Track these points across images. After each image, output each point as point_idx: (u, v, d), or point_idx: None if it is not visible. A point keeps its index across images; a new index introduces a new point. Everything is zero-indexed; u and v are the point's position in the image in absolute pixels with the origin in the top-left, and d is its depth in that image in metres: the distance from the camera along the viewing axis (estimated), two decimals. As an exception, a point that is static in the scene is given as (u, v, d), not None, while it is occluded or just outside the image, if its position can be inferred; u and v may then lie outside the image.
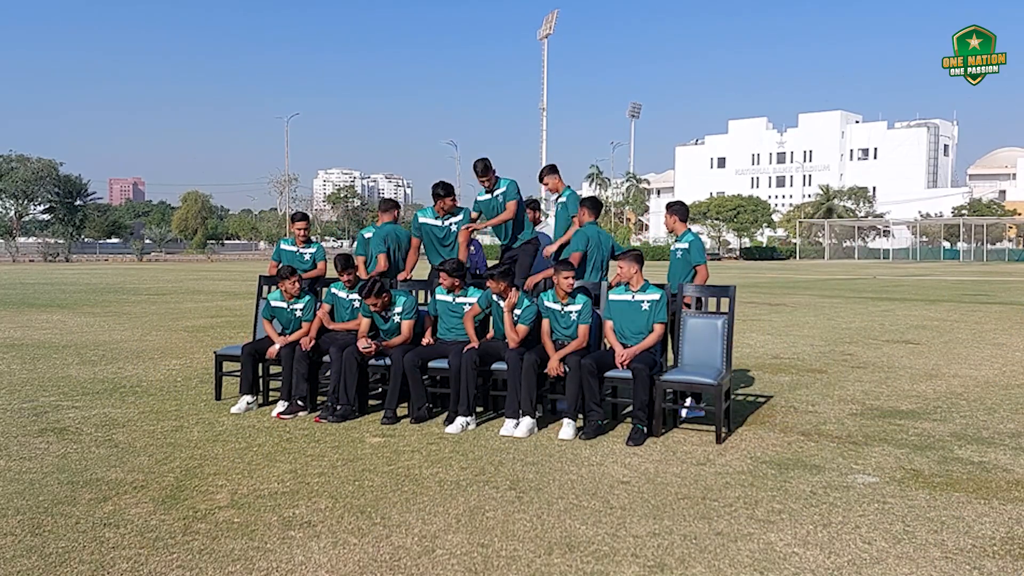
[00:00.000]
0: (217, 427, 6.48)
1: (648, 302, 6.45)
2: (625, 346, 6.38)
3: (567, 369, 6.32)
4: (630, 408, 6.28)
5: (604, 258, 7.26)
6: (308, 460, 5.52)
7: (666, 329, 6.53)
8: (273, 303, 7.31)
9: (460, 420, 6.38)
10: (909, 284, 30.79)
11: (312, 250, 8.05)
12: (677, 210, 7.23)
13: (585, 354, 6.37)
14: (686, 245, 7.11)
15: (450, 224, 7.52)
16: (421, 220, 7.65)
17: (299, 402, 6.90)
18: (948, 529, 4.28)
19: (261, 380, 7.41)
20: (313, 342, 7.01)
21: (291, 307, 7.23)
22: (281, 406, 6.92)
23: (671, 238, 7.36)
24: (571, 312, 6.53)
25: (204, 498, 4.71)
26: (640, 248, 30.64)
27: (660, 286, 6.61)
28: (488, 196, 7.55)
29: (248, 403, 7.07)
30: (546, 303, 6.62)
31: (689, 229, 7.24)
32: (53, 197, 77.19)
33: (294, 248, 8.03)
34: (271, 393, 7.49)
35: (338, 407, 6.69)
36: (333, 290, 7.33)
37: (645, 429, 6.06)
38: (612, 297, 6.59)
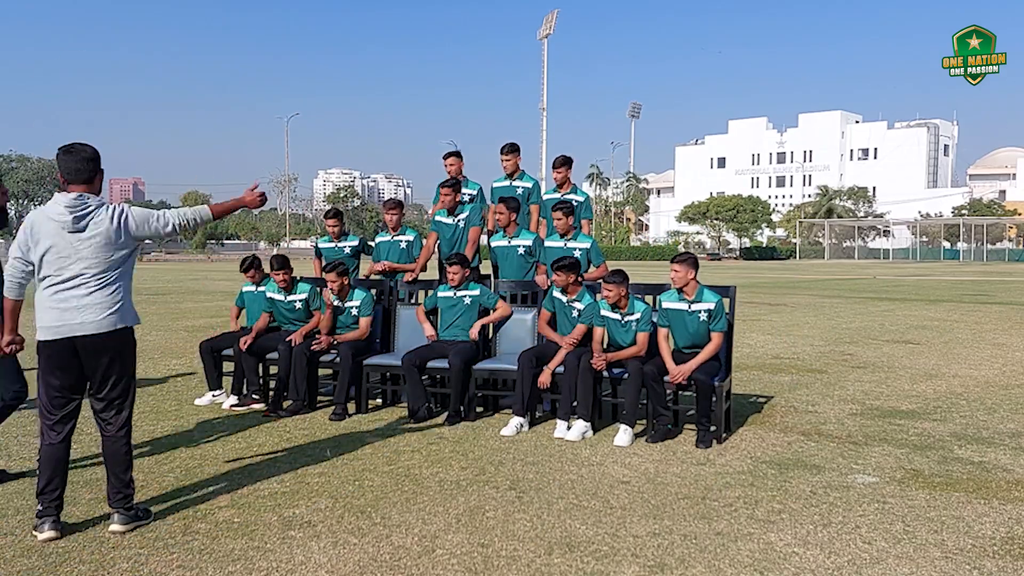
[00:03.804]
0: (217, 427, 6.48)
1: (705, 311, 6.17)
2: (680, 353, 6.23)
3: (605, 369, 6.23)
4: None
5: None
6: (308, 460, 5.52)
7: (725, 338, 6.25)
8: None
9: (515, 421, 6.33)
10: (909, 284, 30.79)
11: (353, 242, 8.18)
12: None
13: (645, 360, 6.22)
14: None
15: (459, 220, 7.57)
16: (437, 218, 7.72)
17: (254, 395, 7.14)
18: (948, 529, 4.28)
19: (262, 379, 7.41)
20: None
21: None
22: (233, 399, 7.18)
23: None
24: (631, 321, 6.35)
25: (204, 498, 4.71)
26: (641, 248, 30.60)
27: (721, 291, 6.38)
28: (507, 183, 7.75)
29: (214, 396, 7.34)
30: (602, 312, 6.44)
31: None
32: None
33: (332, 244, 8.14)
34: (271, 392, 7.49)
35: (286, 403, 6.91)
36: (268, 293, 7.43)
37: (712, 430, 5.98)
38: (666, 305, 6.32)
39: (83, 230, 4.11)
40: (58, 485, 4.15)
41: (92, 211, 4.14)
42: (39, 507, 4.11)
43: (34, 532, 4.08)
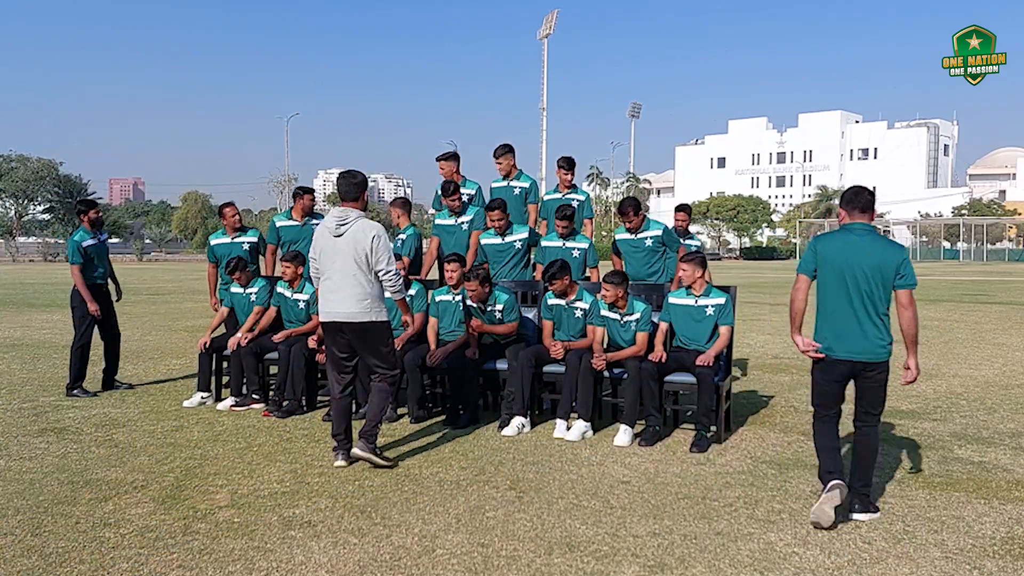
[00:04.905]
0: (217, 427, 6.48)
1: (712, 307, 6.17)
2: (685, 350, 6.21)
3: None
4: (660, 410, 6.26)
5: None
6: (308, 460, 5.52)
7: (733, 332, 6.27)
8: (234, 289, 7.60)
9: (516, 421, 6.31)
10: (909, 284, 30.75)
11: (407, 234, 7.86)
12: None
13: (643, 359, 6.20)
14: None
15: (461, 223, 7.57)
16: (438, 221, 7.71)
17: (254, 395, 7.15)
18: (948, 529, 4.28)
19: (262, 379, 7.40)
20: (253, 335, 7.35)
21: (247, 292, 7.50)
22: (231, 400, 7.18)
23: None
24: (631, 321, 6.35)
25: (204, 498, 4.71)
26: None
27: (724, 289, 6.37)
28: (503, 184, 7.77)
29: (203, 397, 7.33)
30: (602, 312, 6.43)
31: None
32: (53, 197, 77.19)
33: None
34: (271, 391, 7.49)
35: (284, 403, 6.89)
36: (278, 288, 7.37)
37: (709, 434, 5.91)
38: (672, 300, 6.33)
39: (341, 236, 5.24)
40: (346, 428, 5.42)
41: (351, 222, 5.26)
42: (334, 444, 5.42)
43: (334, 464, 5.35)
